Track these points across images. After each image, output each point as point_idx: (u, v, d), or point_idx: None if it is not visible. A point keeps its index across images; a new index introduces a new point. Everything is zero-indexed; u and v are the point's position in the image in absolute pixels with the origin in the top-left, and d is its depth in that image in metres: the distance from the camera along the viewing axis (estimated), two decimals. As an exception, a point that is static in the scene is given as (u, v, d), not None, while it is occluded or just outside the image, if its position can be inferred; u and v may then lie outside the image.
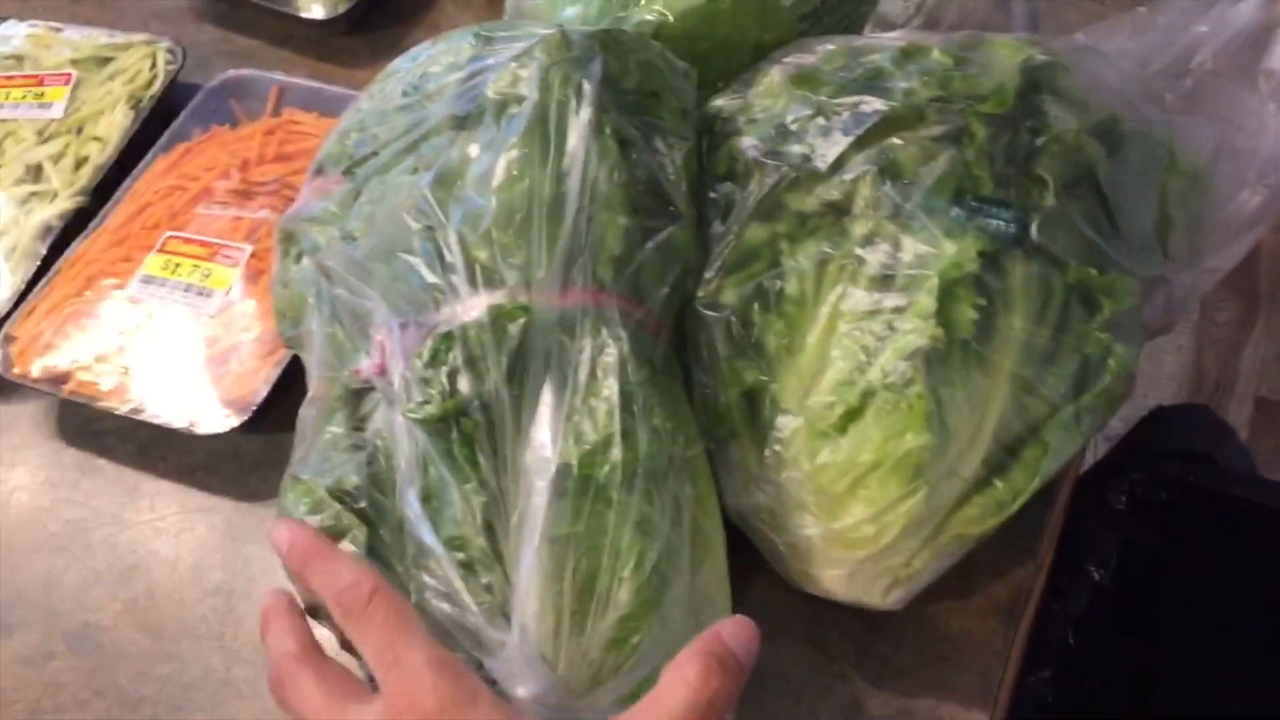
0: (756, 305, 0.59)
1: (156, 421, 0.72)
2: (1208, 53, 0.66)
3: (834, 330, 0.58)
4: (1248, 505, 1.03)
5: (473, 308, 0.52)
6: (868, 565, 0.57)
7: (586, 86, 0.57)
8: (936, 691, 0.61)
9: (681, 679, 0.44)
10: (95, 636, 0.68)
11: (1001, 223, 0.58)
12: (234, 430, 0.71)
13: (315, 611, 0.51)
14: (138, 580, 0.70)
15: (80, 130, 0.87)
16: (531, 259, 0.53)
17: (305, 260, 0.60)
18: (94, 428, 0.77)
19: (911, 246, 0.57)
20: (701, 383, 0.60)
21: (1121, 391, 0.58)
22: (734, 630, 0.45)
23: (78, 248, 0.81)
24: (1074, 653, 0.96)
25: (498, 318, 0.52)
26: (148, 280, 0.77)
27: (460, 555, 0.49)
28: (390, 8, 0.99)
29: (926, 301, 0.56)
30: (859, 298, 0.57)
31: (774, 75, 0.65)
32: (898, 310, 0.56)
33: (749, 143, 0.62)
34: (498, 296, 0.53)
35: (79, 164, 0.85)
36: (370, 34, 0.97)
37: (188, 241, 0.78)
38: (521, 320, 0.52)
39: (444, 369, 0.51)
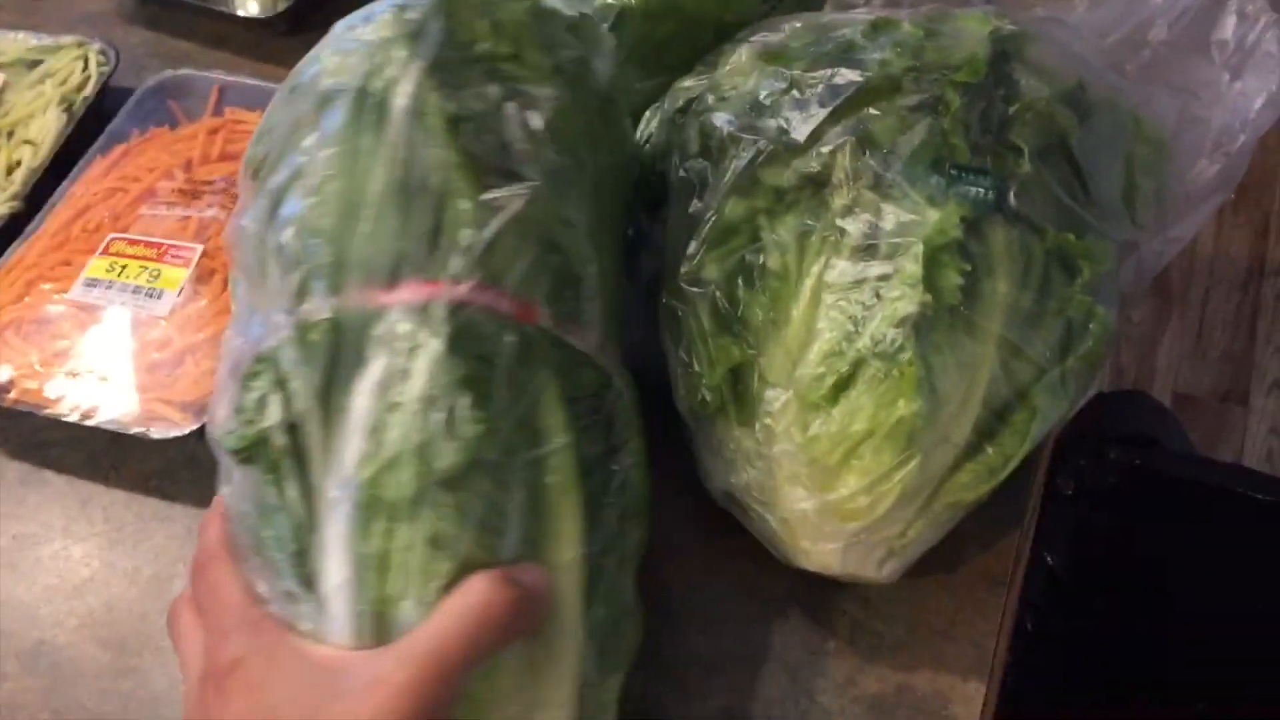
0: (740, 280, 0.58)
1: (108, 428, 0.69)
2: (1163, 25, 0.67)
3: (819, 302, 0.57)
4: (1194, 486, 1.05)
5: (283, 325, 0.48)
6: (863, 537, 0.57)
7: (414, 65, 0.51)
8: (932, 664, 0.60)
9: (463, 591, 0.45)
10: (51, 655, 0.65)
11: (980, 190, 0.58)
12: (191, 434, 0.68)
13: None
14: (93, 594, 0.67)
15: (11, 135, 0.84)
16: (347, 262, 0.48)
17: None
18: (38, 438, 0.73)
19: (894, 215, 0.57)
20: (683, 361, 0.59)
21: (1103, 354, 0.58)
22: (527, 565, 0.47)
23: (13, 254, 0.77)
24: (1032, 638, 0.97)
25: (303, 332, 0.47)
26: (92, 283, 0.74)
27: (281, 585, 0.46)
28: (331, 7, 0.96)
29: (913, 268, 0.55)
30: (843, 268, 0.57)
31: (741, 54, 0.65)
32: (883, 279, 0.56)
33: (722, 119, 0.61)
34: (308, 310, 0.48)
35: (10, 169, 0.82)
36: (310, 35, 0.93)
37: (133, 243, 0.75)
38: (327, 331, 0.47)
39: (254, 395, 0.48)
